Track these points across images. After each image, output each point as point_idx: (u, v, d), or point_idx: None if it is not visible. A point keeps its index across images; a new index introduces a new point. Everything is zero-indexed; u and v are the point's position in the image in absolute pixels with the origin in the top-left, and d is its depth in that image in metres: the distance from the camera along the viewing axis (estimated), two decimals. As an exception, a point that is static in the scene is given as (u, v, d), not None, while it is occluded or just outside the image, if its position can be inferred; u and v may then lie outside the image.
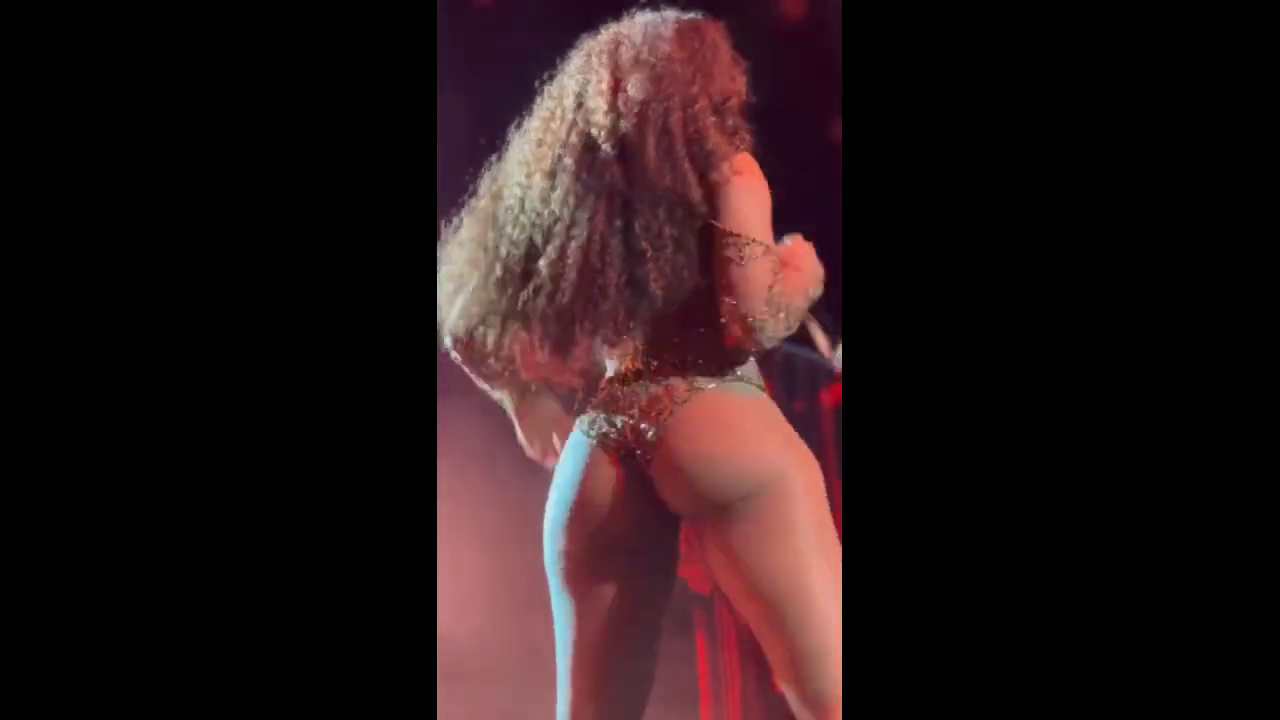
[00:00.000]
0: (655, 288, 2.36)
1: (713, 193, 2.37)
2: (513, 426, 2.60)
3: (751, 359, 2.44)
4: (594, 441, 2.45)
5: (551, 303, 2.39)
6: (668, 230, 2.36)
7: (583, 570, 2.46)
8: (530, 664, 3.59)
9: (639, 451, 2.41)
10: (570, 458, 2.48)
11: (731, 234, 2.35)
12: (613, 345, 2.42)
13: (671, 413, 2.40)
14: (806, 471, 2.39)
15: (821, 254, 2.48)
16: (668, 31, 2.44)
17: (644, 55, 2.41)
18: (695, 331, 2.41)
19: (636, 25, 2.47)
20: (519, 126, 2.50)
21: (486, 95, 2.51)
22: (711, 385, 2.41)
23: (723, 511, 2.37)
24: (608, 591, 2.45)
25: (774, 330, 2.36)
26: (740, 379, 2.43)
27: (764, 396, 2.44)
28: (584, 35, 2.49)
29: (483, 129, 2.60)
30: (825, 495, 2.40)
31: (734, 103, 2.43)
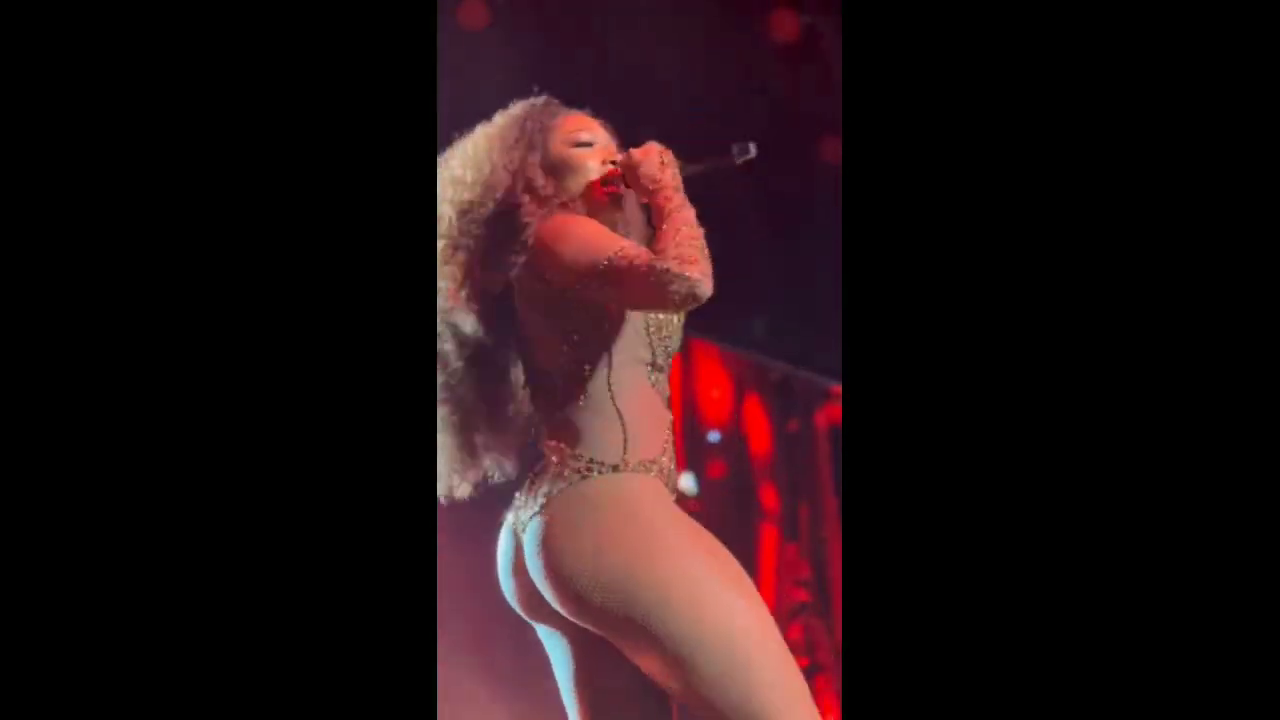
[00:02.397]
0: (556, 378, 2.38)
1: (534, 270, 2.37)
2: None
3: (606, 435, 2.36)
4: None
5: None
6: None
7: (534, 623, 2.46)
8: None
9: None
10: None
11: (594, 270, 2.30)
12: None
13: (542, 506, 2.34)
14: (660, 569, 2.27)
15: (822, 272, 2.47)
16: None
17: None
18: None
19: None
20: None
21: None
22: (577, 477, 2.33)
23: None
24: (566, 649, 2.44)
25: (694, 273, 2.24)
26: (609, 470, 2.34)
27: (624, 483, 2.34)
28: None
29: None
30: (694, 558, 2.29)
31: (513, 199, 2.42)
